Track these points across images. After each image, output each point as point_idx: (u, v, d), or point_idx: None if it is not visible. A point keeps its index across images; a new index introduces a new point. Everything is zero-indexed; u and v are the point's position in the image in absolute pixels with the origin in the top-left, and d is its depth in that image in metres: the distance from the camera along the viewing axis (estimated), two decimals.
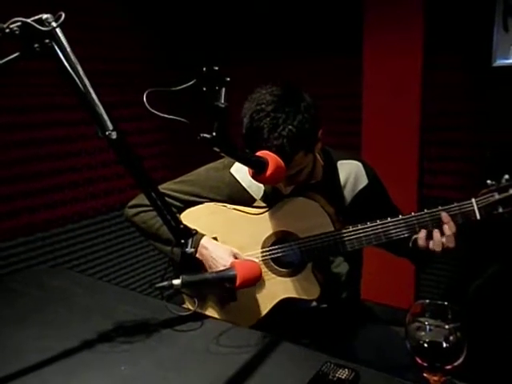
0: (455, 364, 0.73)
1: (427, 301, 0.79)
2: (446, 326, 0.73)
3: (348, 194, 1.42)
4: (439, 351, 0.74)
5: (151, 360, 1.08)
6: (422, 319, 0.76)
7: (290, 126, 1.15)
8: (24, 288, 1.50)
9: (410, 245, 1.30)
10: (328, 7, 2.70)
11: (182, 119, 0.92)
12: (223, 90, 0.92)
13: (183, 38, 3.15)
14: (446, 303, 0.77)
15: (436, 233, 1.22)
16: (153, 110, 0.89)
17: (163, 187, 1.42)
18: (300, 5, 2.79)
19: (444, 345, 0.73)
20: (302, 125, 1.16)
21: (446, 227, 1.20)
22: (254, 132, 1.18)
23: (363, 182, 1.42)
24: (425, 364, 0.74)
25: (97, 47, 2.57)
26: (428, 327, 0.75)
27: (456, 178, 2.50)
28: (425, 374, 0.76)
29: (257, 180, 1.08)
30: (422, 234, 1.23)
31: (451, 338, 0.73)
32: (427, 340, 0.74)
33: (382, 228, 1.28)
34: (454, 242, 1.21)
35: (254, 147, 1.13)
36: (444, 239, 1.21)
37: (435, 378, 0.75)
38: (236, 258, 1.33)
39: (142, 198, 1.43)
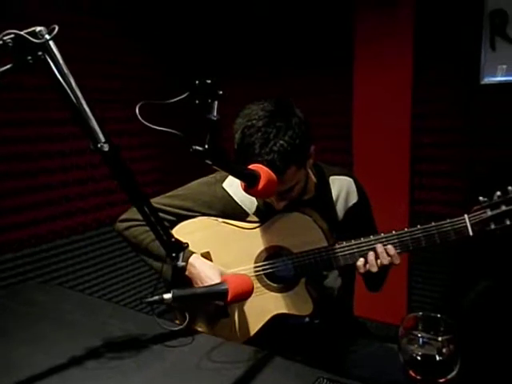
0: (449, 377, 0.72)
1: (420, 313, 0.79)
2: (439, 339, 0.73)
3: (340, 209, 1.42)
4: (432, 364, 0.73)
5: (141, 376, 1.06)
6: (414, 332, 0.75)
7: (280, 141, 1.15)
8: (12, 303, 1.48)
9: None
10: (318, 24, 2.75)
11: (175, 131, 0.92)
12: (215, 102, 0.93)
13: (178, 54, 3.18)
14: (438, 315, 0.77)
15: (371, 256, 1.26)
16: (145, 122, 0.89)
17: (155, 201, 1.41)
18: (291, 23, 2.84)
19: (437, 358, 0.73)
20: (293, 140, 1.16)
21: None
22: (245, 147, 1.18)
23: (354, 198, 1.43)
24: (418, 377, 0.73)
25: (89, 63, 2.58)
26: (421, 340, 0.74)
27: (446, 193, 2.52)
28: None
29: (249, 193, 1.08)
30: (360, 262, 1.27)
31: (444, 350, 0.72)
32: (420, 353, 0.74)
33: (375, 243, 1.28)
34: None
35: (245, 162, 1.12)
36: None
37: None
38: None
39: (132, 212, 1.42)
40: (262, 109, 1.20)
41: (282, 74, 2.88)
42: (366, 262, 1.26)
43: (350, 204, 1.42)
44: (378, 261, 1.25)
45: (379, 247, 1.25)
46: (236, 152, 1.22)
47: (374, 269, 1.25)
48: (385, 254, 1.24)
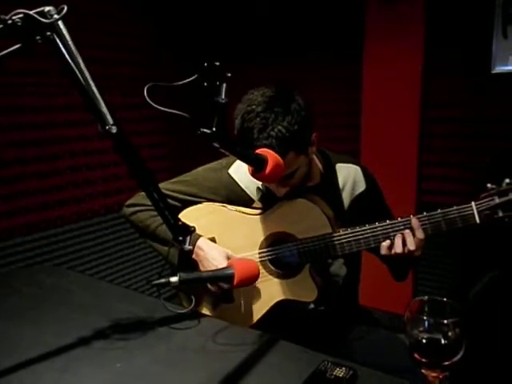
0: (454, 360, 0.72)
1: (426, 297, 0.78)
2: (445, 322, 0.72)
3: (346, 197, 1.41)
4: (438, 347, 0.73)
5: (147, 357, 1.07)
6: (420, 315, 0.75)
7: (279, 127, 1.14)
8: (21, 285, 1.50)
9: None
10: (329, 14, 2.73)
11: (182, 113, 0.92)
12: (224, 85, 0.92)
13: (187, 40, 3.17)
14: (444, 299, 0.77)
15: (398, 239, 1.24)
16: (152, 103, 0.89)
17: (160, 186, 1.41)
18: (302, 11, 2.81)
19: (443, 341, 0.73)
20: (291, 126, 1.16)
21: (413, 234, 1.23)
22: (244, 132, 1.18)
23: (361, 186, 1.42)
24: (423, 360, 0.74)
25: (97, 49, 2.58)
26: (426, 323, 0.74)
27: (455, 184, 2.50)
28: (423, 371, 0.75)
29: (256, 178, 1.08)
30: (385, 243, 1.25)
31: (450, 333, 0.72)
32: (426, 336, 0.74)
33: (380, 230, 1.27)
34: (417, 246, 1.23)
35: (245, 147, 1.12)
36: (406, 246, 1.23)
37: (434, 375, 0.74)
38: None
39: (140, 197, 1.43)
40: (262, 94, 1.20)
41: (290, 62, 2.86)
42: (392, 244, 1.25)
43: (357, 193, 1.41)
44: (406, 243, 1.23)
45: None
46: (236, 137, 1.22)
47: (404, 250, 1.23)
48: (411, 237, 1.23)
